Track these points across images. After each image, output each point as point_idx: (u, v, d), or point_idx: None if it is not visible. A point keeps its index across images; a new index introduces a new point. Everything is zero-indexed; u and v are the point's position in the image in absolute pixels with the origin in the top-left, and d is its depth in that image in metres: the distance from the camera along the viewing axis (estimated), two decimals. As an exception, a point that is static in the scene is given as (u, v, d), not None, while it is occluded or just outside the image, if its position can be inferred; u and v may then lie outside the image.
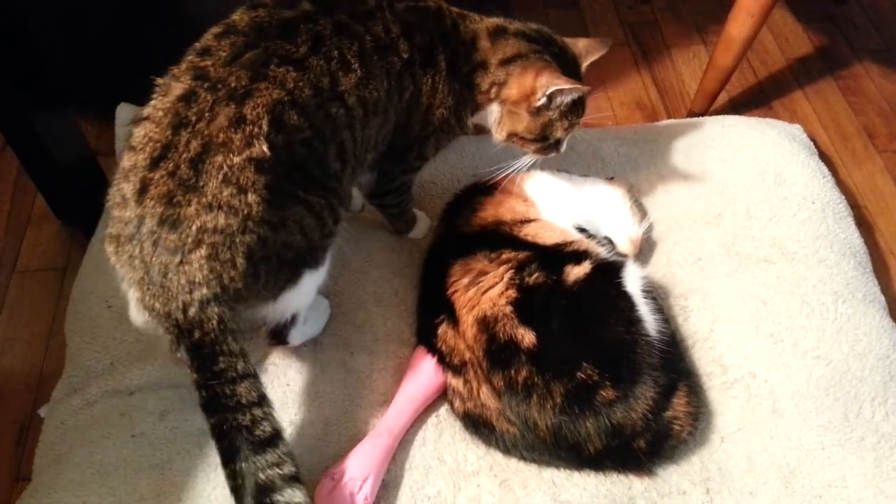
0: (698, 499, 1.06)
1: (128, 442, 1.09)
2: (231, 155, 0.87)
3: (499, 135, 1.18)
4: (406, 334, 1.22)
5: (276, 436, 0.89)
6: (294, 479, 0.88)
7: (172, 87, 0.91)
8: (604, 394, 1.02)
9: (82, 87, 1.63)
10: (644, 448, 1.05)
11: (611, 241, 1.28)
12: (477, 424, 1.09)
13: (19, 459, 1.25)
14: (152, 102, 0.92)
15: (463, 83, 1.11)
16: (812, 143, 1.55)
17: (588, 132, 1.53)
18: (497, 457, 1.09)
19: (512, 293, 1.08)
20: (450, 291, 1.12)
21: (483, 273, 1.11)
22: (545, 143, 1.17)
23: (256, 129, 0.88)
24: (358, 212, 1.37)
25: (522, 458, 1.08)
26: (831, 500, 1.06)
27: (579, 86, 1.09)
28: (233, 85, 0.89)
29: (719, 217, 1.36)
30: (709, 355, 1.19)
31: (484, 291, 1.09)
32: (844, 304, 1.22)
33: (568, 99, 1.12)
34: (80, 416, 1.13)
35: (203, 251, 0.87)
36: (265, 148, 0.88)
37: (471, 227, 1.22)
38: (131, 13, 1.49)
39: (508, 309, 1.06)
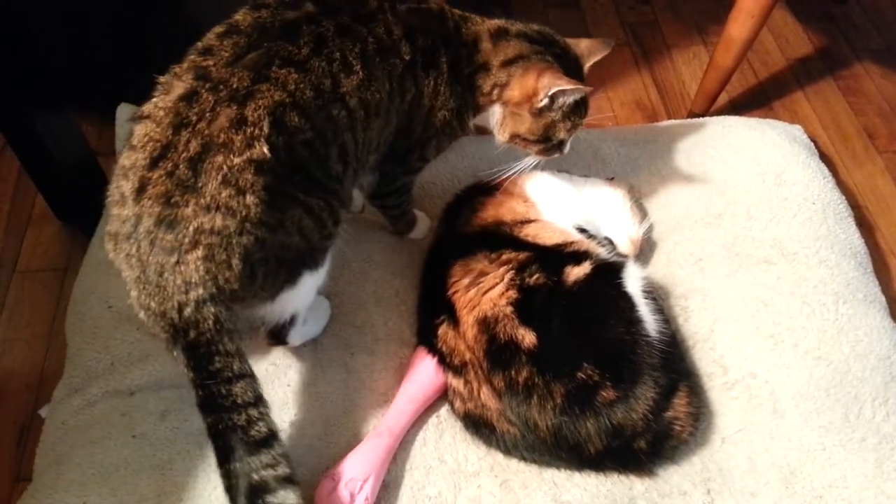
0: (699, 499, 1.06)
1: (129, 442, 1.09)
2: (231, 156, 0.87)
3: (501, 136, 1.17)
4: (406, 335, 1.22)
5: (271, 437, 0.89)
6: (288, 481, 0.88)
7: (174, 85, 0.91)
8: (604, 394, 1.02)
9: (82, 88, 1.63)
10: (645, 448, 1.05)
11: (611, 242, 1.28)
12: (477, 425, 1.09)
13: (20, 460, 1.25)
14: (153, 101, 0.92)
15: (465, 85, 1.11)
16: (812, 144, 1.55)
17: (588, 133, 1.53)
18: (498, 457, 1.09)
19: (512, 294, 1.08)
20: (450, 292, 1.12)
21: (483, 273, 1.11)
22: (548, 144, 1.17)
23: (257, 131, 0.88)
24: (358, 212, 1.37)
25: (523, 458, 1.08)
26: (832, 500, 1.06)
27: (581, 86, 1.09)
28: (234, 86, 0.89)
29: (720, 218, 1.36)
30: (709, 356, 1.19)
31: (484, 292, 1.09)
32: (845, 304, 1.22)
33: (570, 100, 1.11)
34: (80, 417, 1.13)
35: (200, 252, 0.86)
36: (266, 149, 0.88)
37: (471, 228, 1.22)
38: (131, 13, 1.49)
39: (509, 309, 1.06)
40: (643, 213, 1.36)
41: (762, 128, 1.53)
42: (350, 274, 1.29)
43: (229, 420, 0.87)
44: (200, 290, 0.87)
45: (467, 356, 1.08)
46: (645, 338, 1.07)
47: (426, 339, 1.15)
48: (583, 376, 1.02)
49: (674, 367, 1.09)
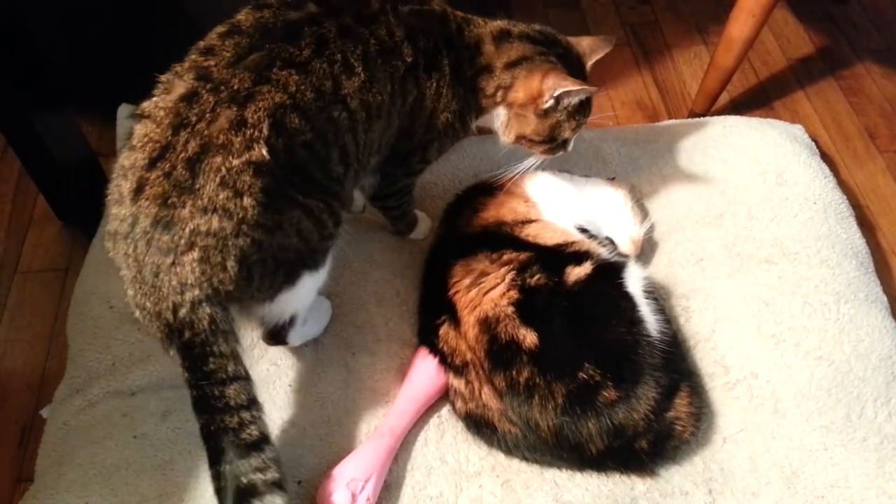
0: (701, 499, 1.06)
1: (130, 443, 1.09)
2: (230, 157, 0.86)
3: (506, 137, 1.17)
4: (408, 335, 1.22)
5: (262, 440, 0.89)
6: (277, 486, 0.88)
7: (175, 85, 0.91)
8: (605, 394, 1.02)
9: (83, 88, 1.64)
10: (646, 448, 1.05)
11: (612, 242, 1.28)
12: (479, 425, 1.09)
13: (21, 460, 1.25)
14: (154, 100, 0.92)
15: (467, 87, 1.11)
16: (813, 144, 1.55)
17: (589, 132, 1.52)
18: (499, 457, 1.09)
19: (513, 294, 1.08)
20: (451, 292, 1.12)
21: (484, 274, 1.11)
22: (553, 144, 1.17)
23: (257, 133, 0.88)
24: (359, 213, 1.37)
25: (524, 458, 1.08)
26: (834, 500, 1.06)
27: (587, 87, 1.09)
28: (235, 87, 0.89)
29: (721, 217, 1.36)
30: (711, 356, 1.19)
31: (485, 292, 1.09)
32: (846, 304, 1.22)
33: (575, 100, 1.12)
34: (82, 417, 1.13)
35: (195, 254, 0.86)
36: (265, 151, 0.87)
37: (472, 228, 1.22)
38: (132, 13, 1.49)
39: (510, 310, 1.06)
40: (644, 212, 1.36)
41: (763, 127, 1.53)
42: (351, 274, 1.29)
43: (221, 422, 0.87)
44: (196, 292, 0.87)
45: (468, 356, 1.08)
46: (646, 338, 1.07)
47: (427, 339, 1.15)
48: (584, 376, 1.02)
49: (675, 367, 1.09)
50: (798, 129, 1.57)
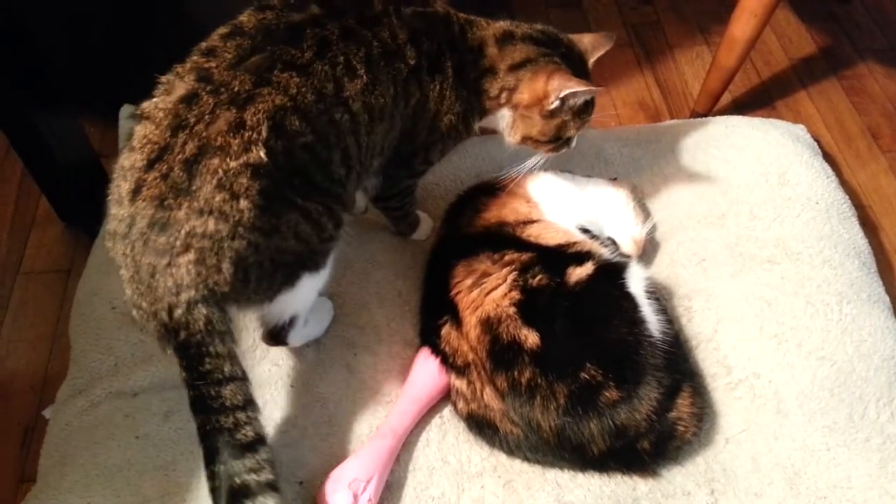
0: (703, 500, 1.06)
1: (132, 443, 1.09)
2: (227, 159, 0.86)
3: (512, 138, 1.18)
4: (409, 335, 1.22)
5: (257, 441, 0.89)
6: (270, 487, 0.87)
7: (175, 86, 0.91)
8: (607, 395, 1.02)
9: (85, 89, 1.64)
10: (648, 449, 1.05)
11: (614, 242, 1.28)
12: (481, 425, 1.09)
13: (24, 461, 1.26)
14: (154, 101, 0.92)
15: (470, 89, 1.10)
16: (816, 144, 1.55)
17: (591, 133, 1.52)
18: (501, 458, 1.09)
19: (515, 294, 1.08)
20: (453, 292, 1.12)
21: (486, 274, 1.11)
22: (558, 143, 1.18)
23: (255, 135, 0.87)
24: (361, 214, 1.37)
25: (526, 459, 1.08)
26: (836, 501, 1.05)
27: (592, 87, 1.09)
28: (236, 89, 0.89)
29: (723, 217, 1.36)
30: (713, 356, 1.19)
31: (487, 293, 1.09)
32: (849, 304, 1.22)
33: (581, 100, 1.12)
34: (84, 418, 1.13)
35: (191, 255, 0.86)
36: (262, 154, 0.87)
37: (474, 229, 1.22)
38: (133, 13, 1.49)
39: (512, 310, 1.06)
40: (646, 213, 1.36)
41: (765, 127, 1.53)
42: (353, 274, 1.29)
43: (217, 422, 0.87)
44: (192, 293, 0.87)
45: (470, 357, 1.08)
46: (648, 338, 1.07)
47: (429, 339, 1.15)
48: (586, 377, 1.02)
49: (677, 367, 1.09)
50: (800, 129, 1.57)
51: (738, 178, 1.41)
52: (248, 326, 1.21)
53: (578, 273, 1.10)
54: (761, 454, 1.09)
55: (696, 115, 1.74)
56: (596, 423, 1.01)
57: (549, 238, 1.18)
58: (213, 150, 0.86)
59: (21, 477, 1.24)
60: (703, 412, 1.11)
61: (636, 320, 1.08)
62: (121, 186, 0.90)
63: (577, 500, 1.05)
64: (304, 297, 1.05)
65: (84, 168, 1.53)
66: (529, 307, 1.06)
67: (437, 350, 1.13)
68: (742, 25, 1.55)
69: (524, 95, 1.11)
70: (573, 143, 1.20)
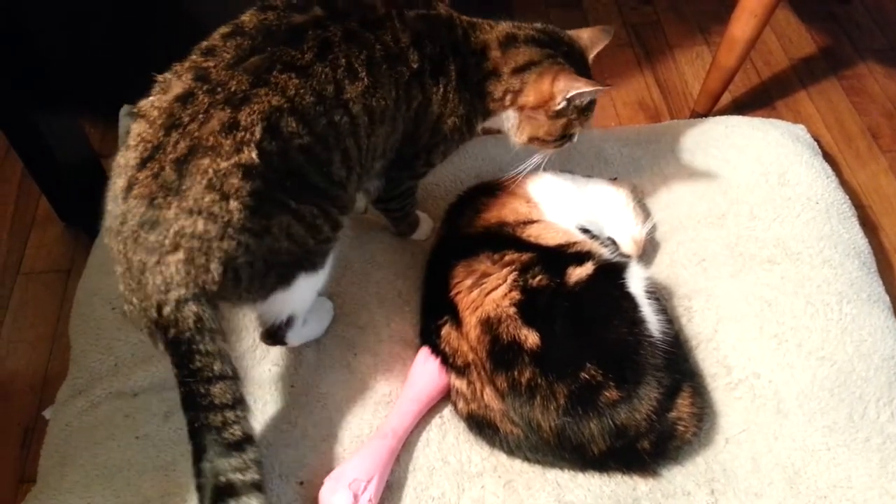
0: (703, 500, 1.06)
1: (132, 443, 1.09)
2: (218, 160, 0.86)
3: (518, 139, 1.18)
4: (409, 335, 1.22)
5: (245, 441, 0.89)
6: (255, 487, 0.87)
7: (172, 85, 0.91)
8: (607, 395, 1.02)
9: (86, 89, 1.64)
10: (648, 449, 1.05)
11: (614, 242, 1.28)
12: (481, 425, 1.09)
13: (24, 461, 1.26)
14: (150, 99, 0.92)
15: (474, 92, 1.10)
16: (816, 144, 1.55)
17: (591, 133, 1.53)
18: (501, 458, 1.09)
19: (515, 295, 1.08)
20: (453, 293, 1.12)
21: (486, 274, 1.11)
22: (563, 141, 1.18)
23: (248, 136, 0.87)
24: (360, 214, 1.37)
25: (526, 459, 1.08)
26: (836, 500, 1.05)
27: (599, 86, 1.10)
28: (232, 89, 0.89)
29: (723, 217, 1.36)
30: (713, 356, 1.19)
31: (487, 293, 1.09)
32: (849, 304, 1.22)
33: (587, 99, 1.13)
34: (84, 418, 1.13)
35: (180, 255, 0.86)
36: (254, 155, 0.87)
37: (474, 229, 1.22)
38: (134, 14, 1.49)
39: (512, 310, 1.06)
40: (646, 213, 1.36)
41: (765, 127, 1.53)
42: (352, 275, 1.29)
43: (205, 419, 0.87)
44: (182, 291, 0.87)
45: (470, 357, 1.08)
46: (648, 338, 1.07)
47: (429, 339, 1.15)
48: (586, 377, 1.02)
49: (677, 367, 1.09)
50: (800, 129, 1.57)
51: (738, 178, 1.41)
52: (248, 326, 1.21)
53: (578, 273, 1.10)
54: (761, 454, 1.09)
55: (696, 115, 1.74)
56: (596, 423, 1.01)
57: (549, 238, 1.18)
58: (203, 149, 0.86)
59: (21, 477, 1.24)
60: (703, 412, 1.11)
61: (636, 320, 1.08)
62: (116, 184, 0.90)
63: (577, 500, 1.05)
64: (302, 296, 1.05)
65: (84, 168, 1.53)
66: (529, 307, 1.06)
67: (437, 350, 1.13)
68: (742, 25, 1.55)
69: (530, 97, 1.11)
70: (575, 138, 1.21)
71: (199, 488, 0.87)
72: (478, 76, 1.10)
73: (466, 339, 1.09)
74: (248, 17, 0.96)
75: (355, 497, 0.99)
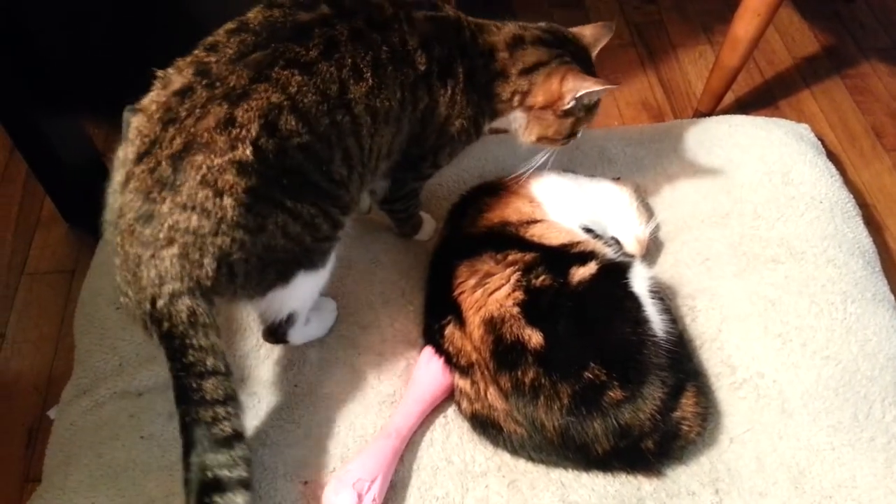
0: (707, 499, 1.06)
1: (137, 443, 1.09)
2: (212, 156, 0.86)
3: (527, 139, 1.18)
4: (413, 335, 1.22)
5: (234, 437, 0.89)
6: (242, 485, 0.87)
7: (172, 80, 0.91)
8: (611, 394, 1.02)
9: (89, 90, 1.64)
10: (652, 449, 1.05)
11: (618, 242, 1.28)
12: (485, 425, 1.09)
13: (29, 461, 1.26)
14: (150, 94, 0.92)
15: (482, 93, 1.11)
16: (819, 143, 1.55)
17: (594, 132, 1.52)
18: (505, 458, 1.09)
19: (519, 294, 1.08)
20: (456, 293, 1.12)
21: (489, 274, 1.11)
22: (570, 138, 1.19)
23: (244, 133, 0.87)
24: (365, 213, 1.37)
25: (530, 458, 1.08)
26: (841, 500, 1.05)
27: (608, 85, 1.10)
28: (231, 84, 0.89)
29: (727, 217, 1.36)
30: (717, 356, 1.18)
31: (490, 293, 1.09)
32: (853, 303, 1.22)
33: (595, 97, 1.13)
34: (89, 418, 1.13)
35: (175, 249, 0.87)
36: (249, 152, 0.87)
37: (477, 229, 1.22)
38: (137, 14, 1.49)
39: (515, 310, 1.06)
40: (650, 212, 1.36)
41: (769, 127, 1.52)
42: (356, 274, 1.30)
43: (196, 414, 0.88)
44: (177, 285, 0.88)
45: (474, 357, 1.08)
46: (652, 338, 1.07)
47: (433, 339, 1.15)
48: (590, 376, 1.02)
49: (681, 366, 1.09)
50: (804, 129, 1.56)
51: (741, 178, 1.41)
52: (252, 326, 1.22)
53: (582, 273, 1.10)
54: (766, 454, 1.09)
55: (699, 114, 1.74)
56: (600, 422, 1.01)
57: (553, 238, 1.18)
58: (198, 146, 0.86)
59: (26, 477, 1.25)
60: (708, 412, 1.11)
61: (640, 320, 1.08)
62: (115, 178, 0.91)
63: (581, 500, 1.05)
64: (302, 294, 1.05)
65: (88, 169, 1.53)
66: (533, 307, 1.06)
67: (440, 350, 1.13)
68: (745, 24, 1.55)
69: (538, 98, 1.12)
70: (579, 134, 1.21)
71: (186, 483, 0.87)
72: (485, 78, 1.10)
73: (470, 338, 1.09)
74: (253, 14, 0.96)
75: (359, 497, 0.99)
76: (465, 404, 1.10)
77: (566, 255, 1.14)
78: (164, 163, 0.87)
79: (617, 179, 1.37)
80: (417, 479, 1.07)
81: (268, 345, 1.19)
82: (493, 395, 1.06)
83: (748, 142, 1.48)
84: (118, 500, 1.03)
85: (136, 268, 0.88)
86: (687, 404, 1.07)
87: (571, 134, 1.18)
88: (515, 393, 1.04)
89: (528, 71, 1.11)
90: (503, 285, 1.09)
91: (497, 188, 1.28)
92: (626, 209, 1.30)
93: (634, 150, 1.51)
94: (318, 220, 0.97)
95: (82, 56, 1.57)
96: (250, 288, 0.96)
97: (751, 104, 1.80)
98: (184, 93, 0.89)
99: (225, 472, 0.87)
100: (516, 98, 1.12)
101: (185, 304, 0.88)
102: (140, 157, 0.88)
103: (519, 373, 1.03)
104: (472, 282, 1.12)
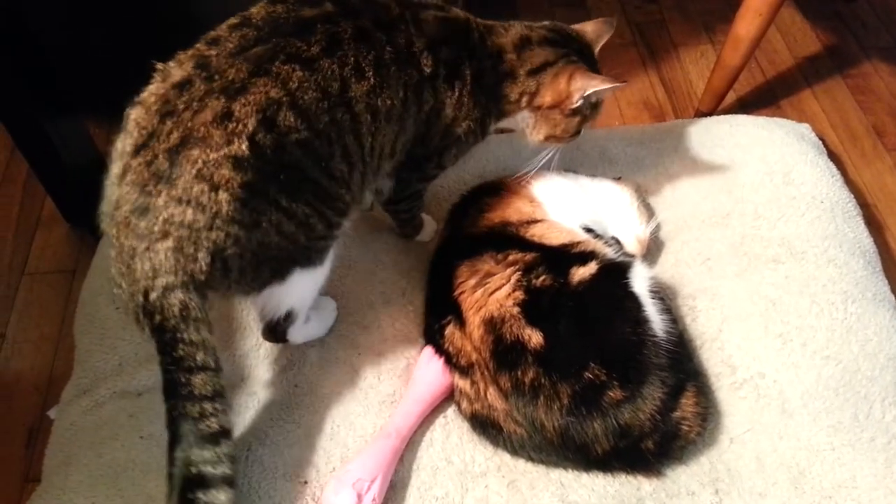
0: (707, 499, 1.05)
1: (136, 443, 1.09)
2: (209, 150, 0.86)
3: (535, 138, 1.18)
4: (413, 335, 1.22)
5: (220, 434, 0.89)
6: (225, 482, 0.87)
7: (172, 72, 0.91)
8: (611, 394, 1.02)
9: (90, 90, 1.64)
10: (652, 449, 1.04)
11: (618, 242, 1.28)
12: (484, 425, 1.09)
13: (29, 461, 1.26)
14: (149, 87, 0.92)
15: (489, 95, 1.11)
16: (821, 143, 1.54)
17: (595, 132, 1.52)
18: (505, 458, 1.09)
19: (519, 294, 1.07)
20: (457, 293, 1.12)
21: (490, 274, 1.11)
22: (575, 136, 1.19)
23: (241, 127, 0.87)
24: (367, 210, 1.36)
25: (530, 458, 1.08)
26: (842, 500, 1.05)
27: (615, 83, 1.10)
28: (230, 78, 0.88)
29: (728, 217, 1.35)
30: (717, 356, 1.18)
31: (491, 293, 1.09)
32: (854, 303, 1.21)
33: (602, 96, 1.13)
34: (89, 418, 1.13)
35: (169, 243, 0.87)
36: (245, 147, 0.86)
37: (477, 229, 1.22)
38: (139, 14, 1.50)
39: (515, 310, 1.06)
40: (650, 212, 1.36)
41: (770, 126, 1.52)
42: (357, 274, 1.29)
43: (183, 408, 0.88)
44: (170, 278, 0.88)
45: (474, 357, 1.08)
46: (652, 338, 1.07)
47: (433, 339, 1.15)
48: (589, 376, 1.02)
49: (681, 366, 1.08)
50: (805, 128, 1.56)
51: (742, 178, 1.41)
52: (252, 325, 1.22)
53: (582, 273, 1.10)
54: (766, 454, 1.09)
55: (700, 114, 1.74)
56: (600, 422, 1.01)
57: (553, 238, 1.18)
58: (195, 140, 0.86)
59: (26, 477, 1.25)
60: (708, 412, 1.10)
61: (640, 320, 1.08)
62: (113, 170, 0.91)
63: (581, 500, 1.05)
64: (299, 292, 1.05)
65: (89, 169, 1.52)
66: (533, 307, 1.06)
67: (440, 350, 1.13)
68: (747, 24, 1.55)
69: (546, 98, 1.12)
70: (582, 131, 1.21)
71: (170, 477, 0.87)
72: (494, 79, 1.10)
73: (470, 338, 1.09)
74: (256, 10, 0.96)
75: (359, 497, 0.99)
76: (464, 404, 1.10)
77: (566, 255, 1.14)
78: (160, 156, 0.86)
79: (618, 179, 1.37)
80: (417, 479, 1.07)
81: (268, 344, 1.19)
82: (492, 395, 1.06)
83: (749, 141, 1.48)
84: (118, 500, 1.03)
85: (130, 260, 0.88)
86: (687, 404, 1.06)
87: (578, 132, 1.18)
88: (515, 393, 1.04)
89: (535, 71, 1.11)
90: (503, 285, 1.09)
91: (498, 188, 1.28)
92: (626, 209, 1.30)
93: (635, 150, 1.51)
94: (312, 219, 0.96)
95: (83, 56, 1.57)
96: (245, 283, 0.96)
97: (752, 104, 1.80)
98: (182, 86, 0.89)
99: (209, 469, 0.87)
100: (524, 99, 1.12)
101: (177, 297, 0.88)
102: (137, 150, 0.88)
103: (519, 373, 1.03)
104: (472, 282, 1.12)
